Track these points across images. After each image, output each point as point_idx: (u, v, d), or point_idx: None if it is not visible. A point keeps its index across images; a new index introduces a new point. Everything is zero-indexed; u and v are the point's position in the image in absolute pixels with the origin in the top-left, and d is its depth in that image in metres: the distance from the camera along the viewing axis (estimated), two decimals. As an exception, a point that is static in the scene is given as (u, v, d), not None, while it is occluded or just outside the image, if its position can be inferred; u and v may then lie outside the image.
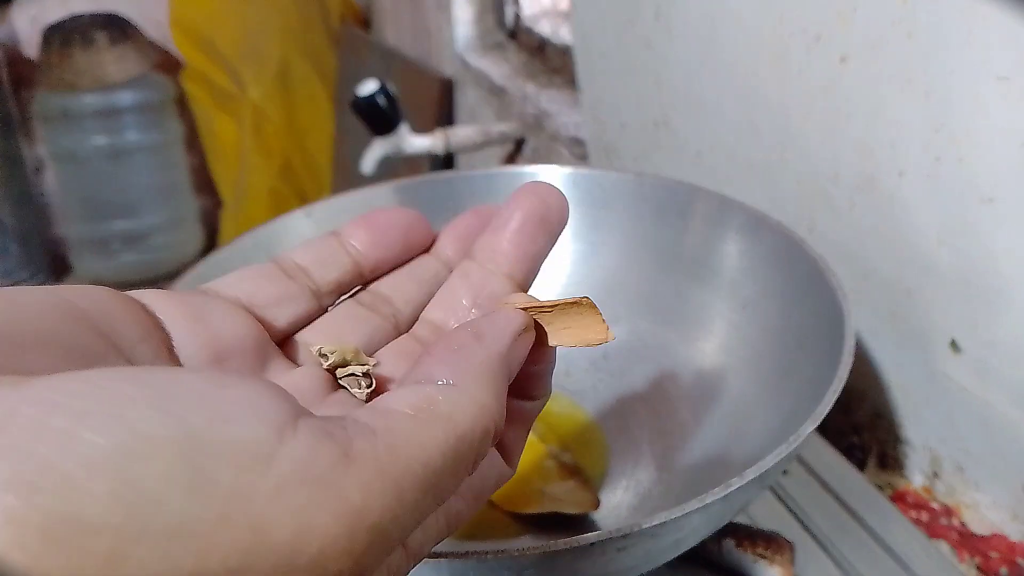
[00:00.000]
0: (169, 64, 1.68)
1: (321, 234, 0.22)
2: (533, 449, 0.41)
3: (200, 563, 0.12)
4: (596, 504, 0.38)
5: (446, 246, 0.23)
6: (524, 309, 0.19)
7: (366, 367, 0.19)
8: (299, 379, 0.19)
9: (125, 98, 1.60)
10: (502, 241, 0.21)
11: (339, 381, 0.19)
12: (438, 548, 0.28)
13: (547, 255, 0.22)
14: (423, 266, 0.23)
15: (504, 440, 0.20)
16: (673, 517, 0.26)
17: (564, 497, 0.38)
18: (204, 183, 1.75)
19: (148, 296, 0.18)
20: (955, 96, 0.36)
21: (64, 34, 1.56)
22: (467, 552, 0.26)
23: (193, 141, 1.72)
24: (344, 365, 0.19)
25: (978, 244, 0.38)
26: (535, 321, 0.19)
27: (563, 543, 0.26)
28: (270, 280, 0.20)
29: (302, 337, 0.21)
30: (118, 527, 0.11)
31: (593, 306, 0.19)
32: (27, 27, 1.66)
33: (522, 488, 0.39)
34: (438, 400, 0.16)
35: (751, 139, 0.51)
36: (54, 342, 0.14)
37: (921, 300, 0.42)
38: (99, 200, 1.66)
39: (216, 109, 1.60)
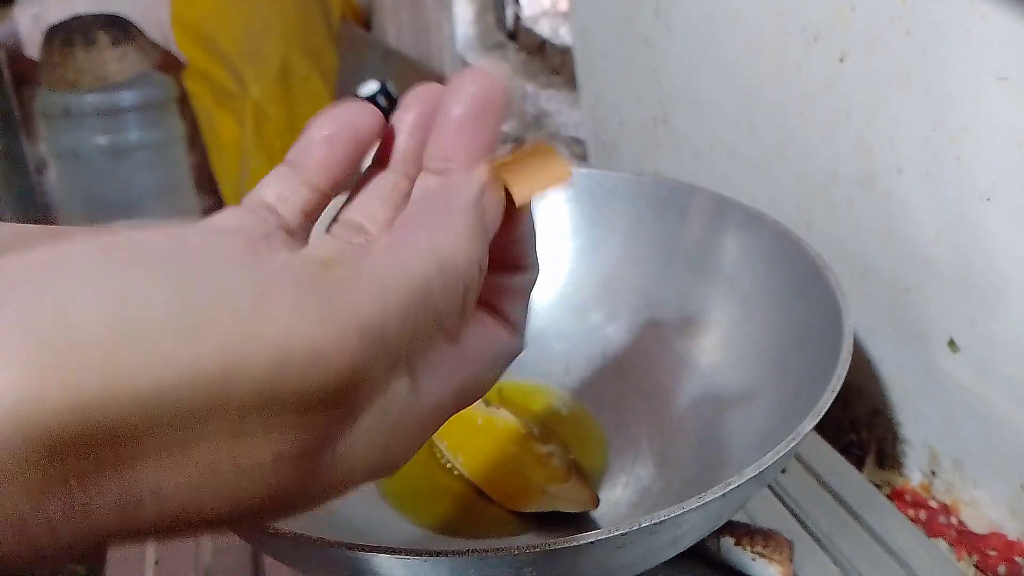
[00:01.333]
0: (170, 63, 1.68)
1: (276, 168, 0.21)
2: (533, 447, 0.41)
3: (195, 358, 0.12)
4: (596, 502, 0.38)
5: (401, 154, 0.22)
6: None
7: None
8: None
9: (127, 97, 1.60)
10: (451, 146, 0.21)
11: None
12: (438, 546, 0.28)
13: (497, 140, 0.22)
14: (384, 183, 0.22)
15: (505, 313, 0.21)
16: (672, 515, 0.26)
17: (564, 495, 0.38)
18: (206, 182, 1.75)
19: None
20: (954, 94, 0.37)
21: (66, 33, 1.56)
22: (468, 550, 0.26)
23: (195, 140, 1.72)
24: None
25: (976, 242, 0.38)
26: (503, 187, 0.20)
27: (563, 541, 0.26)
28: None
29: None
30: (109, 329, 0.12)
31: (550, 148, 0.20)
32: (29, 26, 1.67)
33: (522, 486, 0.39)
34: (416, 234, 0.17)
35: (750, 137, 0.51)
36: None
37: (919, 298, 0.42)
38: (101, 198, 1.66)
39: (217, 108, 1.60)
